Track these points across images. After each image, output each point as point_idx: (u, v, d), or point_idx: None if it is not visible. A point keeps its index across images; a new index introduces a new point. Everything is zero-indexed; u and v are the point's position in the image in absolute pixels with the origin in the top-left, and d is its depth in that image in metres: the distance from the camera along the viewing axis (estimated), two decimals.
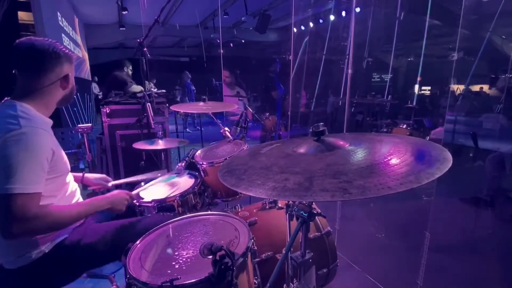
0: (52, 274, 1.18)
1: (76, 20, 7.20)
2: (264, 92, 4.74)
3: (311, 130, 0.93)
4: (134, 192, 1.46)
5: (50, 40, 1.18)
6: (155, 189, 1.67)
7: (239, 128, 2.00)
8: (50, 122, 1.21)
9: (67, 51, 1.21)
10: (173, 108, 2.31)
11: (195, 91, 8.51)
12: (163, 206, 1.50)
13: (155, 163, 2.49)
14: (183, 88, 8.73)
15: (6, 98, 1.14)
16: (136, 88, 3.47)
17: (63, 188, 1.23)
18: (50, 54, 1.14)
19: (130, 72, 3.84)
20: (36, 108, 1.13)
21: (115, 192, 1.33)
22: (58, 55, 1.16)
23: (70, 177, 1.31)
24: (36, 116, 1.10)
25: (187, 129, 7.96)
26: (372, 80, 11.59)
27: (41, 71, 1.14)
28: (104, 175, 1.61)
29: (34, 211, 0.98)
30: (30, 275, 1.13)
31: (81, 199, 1.35)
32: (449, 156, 0.78)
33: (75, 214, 1.13)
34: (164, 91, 3.57)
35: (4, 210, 0.93)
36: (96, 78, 9.38)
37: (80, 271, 1.28)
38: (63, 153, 1.23)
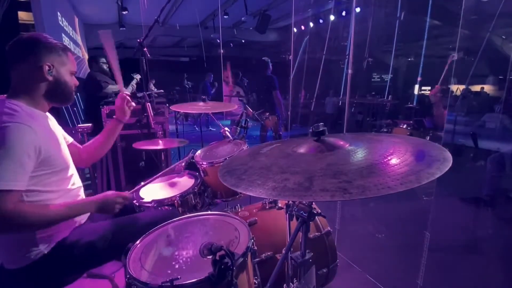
0: (52, 274, 1.18)
1: (76, 20, 7.19)
2: (265, 93, 4.72)
3: (311, 130, 0.93)
4: (132, 190, 1.43)
5: (38, 33, 1.16)
6: (155, 189, 1.67)
7: (239, 128, 2.00)
8: (44, 115, 1.20)
9: (50, 40, 1.15)
10: (173, 108, 2.30)
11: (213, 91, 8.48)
12: (163, 206, 1.50)
13: (155, 163, 2.49)
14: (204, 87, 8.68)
15: (0, 96, 1.13)
16: (114, 88, 3.38)
17: (63, 183, 1.21)
18: (23, 44, 1.12)
19: (104, 67, 3.67)
20: (27, 104, 1.12)
21: (104, 194, 1.25)
22: (32, 44, 1.12)
23: (72, 170, 1.29)
24: (23, 112, 1.08)
25: (195, 127, 7.93)
26: (372, 80, 11.59)
27: (16, 63, 1.12)
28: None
29: (9, 208, 0.95)
30: (30, 275, 1.13)
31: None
32: (449, 156, 0.78)
33: (54, 215, 1.07)
34: (162, 91, 3.54)
35: None
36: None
37: (80, 271, 1.28)
38: (62, 147, 1.22)
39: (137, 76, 4.20)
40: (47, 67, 1.13)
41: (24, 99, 1.12)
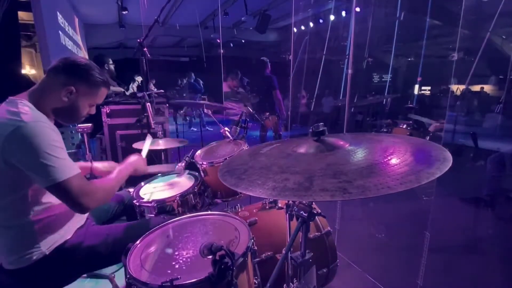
0: (52, 276, 1.18)
1: (76, 20, 7.18)
2: (265, 93, 4.71)
3: (311, 130, 0.93)
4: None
5: (88, 61, 1.26)
6: (155, 189, 1.67)
7: (239, 128, 2.00)
8: (52, 120, 1.21)
9: (91, 71, 1.20)
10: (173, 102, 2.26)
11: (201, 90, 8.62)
12: (163, 206, 1.50)
13: (155, 163, 2.49)
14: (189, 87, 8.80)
15: (9, 98, 1.14)
16: (115, 89, 3.39)
17: None
18: (68, 62, 1.18)
19: (112, 68, 3.66)
20: (38, 109, 1.13)
21: (133, 158, 1.46)
22: (73, 66, 1.18)
23: None
24: (36, 112, 1.11)
25: (192, 128, 7.98)
26: (372, 80, 11.60)
27: (50, 72, 1.17)
28: (112, 162, 1.65)
29: (89, 186, 1.11)
30: (29, 276, 1.13)
31: None
32: (449, 156, 0.78)
33: (119, 181, 1.29)
34: (162, 91, 3.53)
35: (67, 194, 1.05)
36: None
37: (80, 273, 1.28)
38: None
39: (139, 78, 4.20)
40: (68, 91, 1.16)
41: (37, 105, 1.14)
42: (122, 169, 1.35)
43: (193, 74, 8.69)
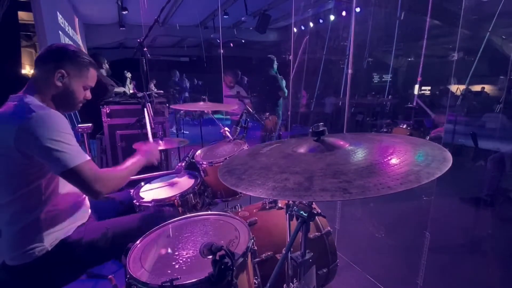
0: (54, 272, 1.19)
1: (76, 20, 7.19)
2: (268, 92, 4.62)
3: (311, 130, 0.93)
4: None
5: (71, 44, 1.28)
6: (155, 189, 1.67)
7: (239, 128, 2.00)
8: None
9: (77, 53, 1.22)
10: (174, 106, 2.31)
11: (188, 89, 8.60)
12: (163, 206, 1.50)
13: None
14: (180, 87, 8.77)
15: (11, 96, 1.15)
16: (117, 90, 3.40)
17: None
18: (52, 49, 1.20)
19: (108, 67, 3.66)
20: (40, 101, 1.16)
21: (144, 148, 1.46)
22: (58, 51, 1.19)
23: None
24: (42, 103, 1.13)
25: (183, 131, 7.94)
26: (372, 80, 11.60)
27: (39, 63, 1.19)
28: None
29: (102, 171, 1.14)
30: (32, 273, 1.14)
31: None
32: (449, 156, 0.78)
33: (131, 170, 1.31)
34: (162, 91, 3.53)
35: (82, 179, 1.07)
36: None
37: (82, 269, 1.29)
38: None
39: (128, 75, 4.21)
40: (59, 74, 1.18)
41: (37, 97, 1.16)
42: (134, 161, 1.37)
43: (177, 73, 8.63)
